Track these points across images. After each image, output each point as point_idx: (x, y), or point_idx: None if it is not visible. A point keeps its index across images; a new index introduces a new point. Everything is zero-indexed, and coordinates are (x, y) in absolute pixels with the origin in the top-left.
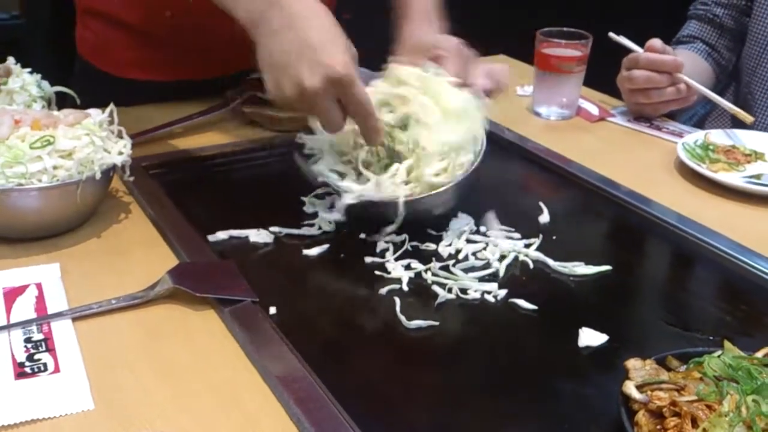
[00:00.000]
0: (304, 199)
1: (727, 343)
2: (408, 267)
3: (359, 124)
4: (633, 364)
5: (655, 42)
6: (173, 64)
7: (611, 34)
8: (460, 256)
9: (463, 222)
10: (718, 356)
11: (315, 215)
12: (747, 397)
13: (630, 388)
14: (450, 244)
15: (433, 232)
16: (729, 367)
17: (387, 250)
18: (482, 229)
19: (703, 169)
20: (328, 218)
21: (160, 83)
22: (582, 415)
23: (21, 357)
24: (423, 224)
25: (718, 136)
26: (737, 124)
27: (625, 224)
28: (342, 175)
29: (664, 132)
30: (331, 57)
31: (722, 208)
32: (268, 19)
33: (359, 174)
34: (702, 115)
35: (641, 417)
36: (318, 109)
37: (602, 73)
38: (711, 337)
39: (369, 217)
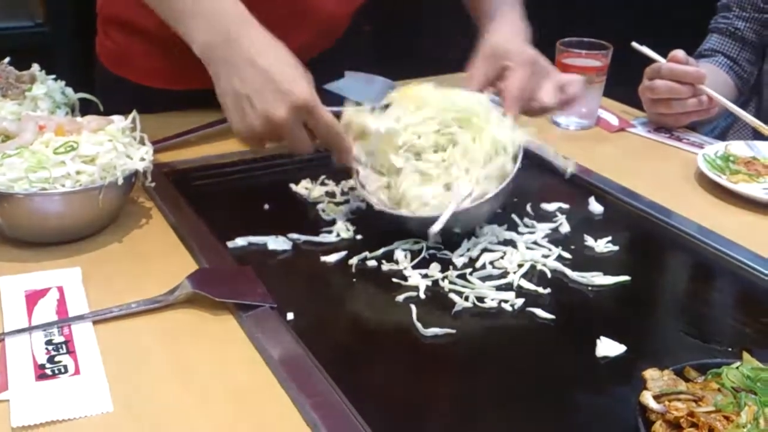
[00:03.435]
0: (322, 206)
1: (745, 355)
2: (425, 275)
3: (328, 145)
4: (651, 374)
5: (678, 53)
6: (194, 72)
7: (634, 44)
8: (478, 265)
9: (484, 231)
10: (737, 367)
11: (333, 222)
12: (765, 409)
13: (647, 398)
14: (468, 252)
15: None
16: (747, 379)
17: (404, 257)
18: (501, 237)
19: (723, 181)
20: (346, 225)
21: (180, 91)
22: (599, 425)
23: (42, 359)
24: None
25: (738, 148)
26: (759, 136)
27: (644, 235)
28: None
29: (684, 143)
30: (292, 85)
31: (742, 219)
32: (224, 53)
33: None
34: (723, 127)
35: (658, 427)
36: (285, 137)
37: (623, 83)
38: (729, 349)
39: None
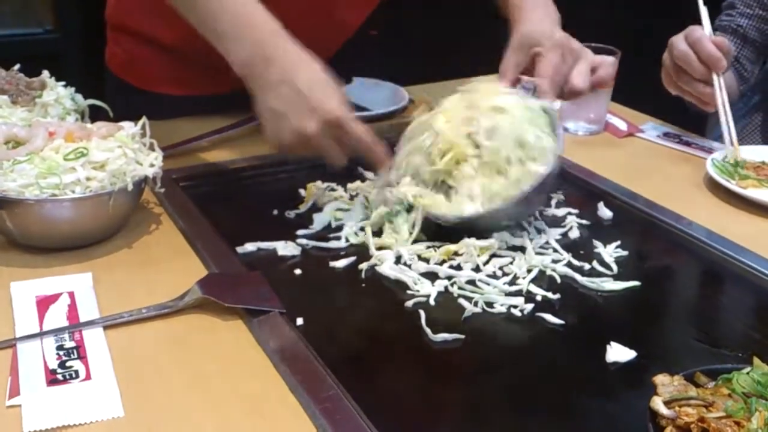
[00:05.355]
0: (331, 211)
1: (756, 360)
2: (434, 280)
3: (364, 155)
4: (661, 380)
5: (721, 39)
6: (203, 79)
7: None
8: (487, 270)
9: (492, 236)
10: (747, 373)
11: (342, 228)
12: None
13: (658, 404)
14: (477, 257)
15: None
16: (758, 384)
17: (413, 262)
18: (510, 243)
19: (732, 186)
20: (355, 230)
21: (190, 97)
22: (609, 430)
23: (53, 364)
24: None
25: (748, 153)
26: None
27: (653, 240)
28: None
29: (693, 148)
30: (323, 102)
31: (752, 224)
32: (260, 73)
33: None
34: None
35: None
36: (318, 150)
37: (631, 88)
38: (740, 354)
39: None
